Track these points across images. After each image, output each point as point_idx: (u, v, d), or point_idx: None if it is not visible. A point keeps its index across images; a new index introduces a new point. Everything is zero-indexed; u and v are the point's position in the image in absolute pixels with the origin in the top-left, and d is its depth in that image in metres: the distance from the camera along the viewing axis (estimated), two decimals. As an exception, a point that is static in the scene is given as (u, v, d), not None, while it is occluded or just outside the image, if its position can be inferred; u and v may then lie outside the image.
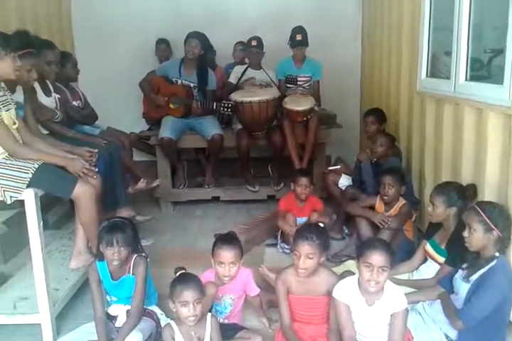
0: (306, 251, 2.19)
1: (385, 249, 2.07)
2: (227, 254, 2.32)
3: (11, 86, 2.63)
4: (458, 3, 2.79)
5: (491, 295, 2.15)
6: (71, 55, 3.74)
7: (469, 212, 2.32)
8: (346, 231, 3.80)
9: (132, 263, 2.38)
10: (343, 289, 2.16)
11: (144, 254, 2.44)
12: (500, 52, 2.45)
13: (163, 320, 2.52)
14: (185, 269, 2.28)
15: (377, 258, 2.04)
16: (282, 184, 4.44)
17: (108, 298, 2.46)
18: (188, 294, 2.04)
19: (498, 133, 2.40)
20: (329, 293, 2.23)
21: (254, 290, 2.50)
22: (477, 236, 2.23)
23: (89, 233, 2.76)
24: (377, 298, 2.12)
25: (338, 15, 5.30)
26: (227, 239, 2.42)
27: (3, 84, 2.50)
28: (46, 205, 3.43)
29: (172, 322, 2.14)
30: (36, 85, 3.05)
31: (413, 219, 3.35)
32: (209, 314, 2.17)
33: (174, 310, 2.10)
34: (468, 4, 2.72)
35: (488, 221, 2.20)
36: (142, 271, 2.36)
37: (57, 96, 3.25)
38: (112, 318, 2.42)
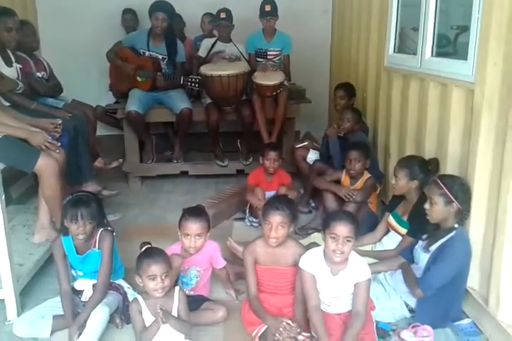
0: (278, 220, 2.24)
1: (350, 220, 2.12)
2: (193, 226, 2.34)
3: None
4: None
5: (449, 264, 2.25)
6: (29, 22, 3.59)
7: (431, 185, 2.40)
8: (313, 204, 3.86)
9: (98, 237, 2.37)
10: (308, 259, 2.21)
11: (109, 228, 2.43)
12: (466, 28, 2.48)
13: (130, 294, 2.52)
14: (150, 244, 2.28)
15: (342, 229, 2.09)
16: (251, 158, 4.45)
17: (73, 272, 2.45)
18: (156, 268, 2.04)
19: (461, 108, 2.45)
20: (296, 264, 2.27)
21: (221, 263, 2.54)
22: (438, 208, 2.31)
23: (52, 207, 2.72)
24: (341, 268, 2.18)
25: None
26: (194, 211, 2.43)
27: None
28: (9, 179, 3.36)
29: (139, 297, 2.15)
30: (-5, 54, 2.94)
31: (377, 192, 3.43)
32: (176, 287, 2.18)
33: (141, 284, 2.10)
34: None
35: (448, 193, 2.28)
36: (108, 245, 2.35)
37: (19, 66, 3.13)
38: (77, 293, 2.41)
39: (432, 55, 2.84)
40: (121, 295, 2.47)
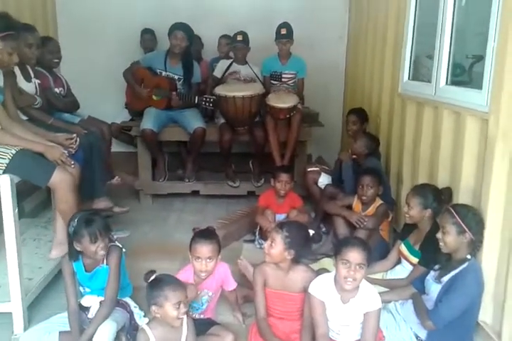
0: (272, 237, 2.26)
1: (363, 246, 2.10)
2: (204, 249, 2.30)
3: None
4: (442, 8, 2.83)
5: (461, 297, 2.20)
6: (53, 39, 3.67)
7: (444, 214, 2.37)
8: (324, 229, 3.82)
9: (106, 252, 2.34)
10: (319, 285, 2.19)
11: (117, 244, 2.41)
12: (481, 58, 2.49)
13: (137, 313, 2.50)
14: (155, 272, 2.20)
15: (354, 255, 2.07)
16: (263, 180, 4.44)
17: (81, 288, 2.42)
18: (181, 294, 2.01)
19: (475, 137, 2.44)
20: (305, 290, 2.25)
21: (232, 285, 2.50)
22: (450, 237, 2.27)
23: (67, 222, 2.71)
24: (352, 296, 2.15)
25: (324, 13, 5.30)
26: (205, 233, 2.40)
27: (-19, 68, 2.44)
28: (22, 193, 3.37)
29: (146, 327, 2.09)
30: (16, 70, 2.99)
31: (389, 219, 3.40)
32: (185, 316, 2.13)
33: (158, 315, 2.03)
34: (451, 9, 2.76)
35: (461, 223, 2.25)
36: (116, 260, 2.33)
37: (38, 81, 3.18)
38: (84, 309, 2.38)
39: (446, 83, 2.85)
40: (128, 313, 2.45)
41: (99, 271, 2.35)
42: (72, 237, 2.26)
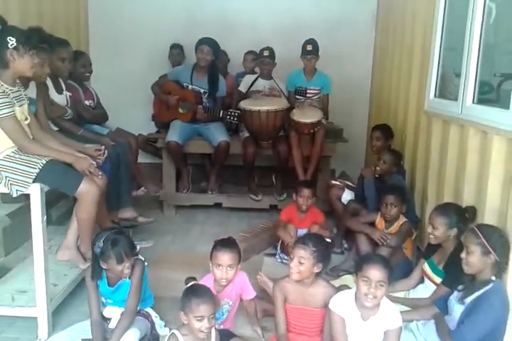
0: (299, 254, 2.24)
1: (384, 264, 2.09)
2: (225, 257, 2.34)
3: (24, 81, 2.67)
4: (469, 26, 2.82)
5: (484, 319, 2.15)
6: (85, 53, 3.79)
7: (468, 234, 2.33)
8: (346, 245, 3.80)
9: None
10: (339, 301, 2.18)
11: (140, 257, 2.44)
12: (510, 76, 2.48)
13: (158, 323, 2.54)
14: (195, 279, 2.27)
15: (375, 272, 2.06)
16: (285, 194, 4.45)
17: (103, 299, 2.46)
18: (205, 309, 2.01)
19: (502, 157, 2.41)
20: (326, 305, 2.24)
21: (251, 294, 2.52)
22: (474, 258, 2.23)
23: (82, 231, 2.78)
24: (372, 314, 2.13)
25: (351, 30, 5.33)
26: (226, 242, 2.44)
27: (17, 80, 2.53)
28: (51, 201, 3.46)
29: (177, 332, 2.10)
30: (48, 82, 3.10)
31: (413, 237, 3.36)
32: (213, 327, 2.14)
33: (186, 322, 2.05)
34: (479, 27, 2.75)
35: (486, 244, 2.21)
36: (138, 273, 2.36)
37: (69, 94, 3.29)
38: (106, 319, 2.43)
39: (473, 102, 2.83)
40: (150, 323, 2.47)
41: (122, 285, 2.39)
42: (99, 257, 2.28)
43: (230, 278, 2.38)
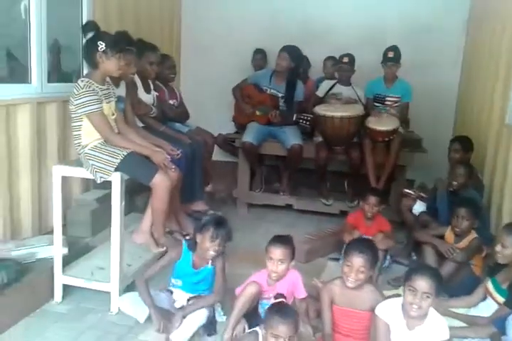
0: (359, 264, 2.27)
1: (432, 276, 2.08)
2: (277, 251, 2.45)
3: (115, 81, 2.96)
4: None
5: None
6: (171, 57, 4.03)
7: None
8: (414, 257, 3.72)
9: None
10: (386, 308, 2.20)
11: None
12: None
13: (218, 312, 2.71)
14: (285, 297, 2.37)
15: (422, 283, 2.06)
16: (357, 201, 4.43)
17: (174, 281, 2.69)
18: (284, 329, 2.00)
19: None
20: (371, 309, 2.27)
21: (302, 293, 2.59)
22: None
23: (156, 219, 3.02)
24: (418, 324, 2.13)
25: (439, 38, 5.21)
26: (281, 238, 2.55)
27: (108, 79, 2.82)
28: (136, 190, 3.78)
29: (259, 331, 2.25)
30: (138, 82, 3.40)
31: (483, 254, 3.23)
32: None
33: (264, 335, 2.10)
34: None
35: None
36: (221, 261, 2.63)
37: (156, 94, 3.57)
38: (173, 299, 2.66)
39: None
40: (212, 308, 2.66)
41: (203, 270, 2.64)
42: (199, 229, 2.56)
43: (280, 273, 2.47)
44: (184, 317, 2.49)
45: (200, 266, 2.63)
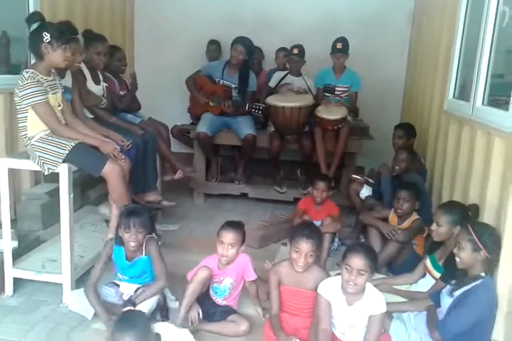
0: (308, 248, 2.38)
1: (366, 253, 2.19)
2: (228, 235, 2.55)
3: (60, 71, 2.95)
4: (483, 28, 2.86)
5: (468, 312, 2.22)
6: (120, 49, 4.01)
7: (461, 231, 2.42)
8: (363, 240, 3.87)
9: (144, 244, 2.61)
10: (327, 286, 2.31)
11: (154, 236, 2.67)
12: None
13: (169, 297, 2.77)
14: (135, 305, 2.44)
15: (356, 261, 2.17)
16: (309, 188, 4.51)
17: (119, 275, 2.70)
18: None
19: (501, 159, 2.46)
20: (317, 289, 2.38)
21: (252, 276, 2.69)
22: (465, 254, 2.31)
23: (120, 210, 3.01)
24: (357, 299, 2.25)
25: (387, 28, 5.35)
26: (232, 223, 2.64)
27: (53, 70, 2.81)
28: (89, 183, 3.78)
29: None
30: (86, 73, 3.38)
31: (424, 234, 3.41)
32: None
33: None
34: (491, 30, 2.78)
35: (477, 241, 2.28)
36: (155, 248, 2.61)
37: (105, 84, 3.56)
38: (120, 293, 2.67)
39: (482, 103, 2.87)
40: (163, 295, 2.70)
41: (138, 262, 2.63)
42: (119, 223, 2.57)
43: (230, 257, 2.56)
44: (134, 305, 2.48)
45: (134, 257, 2.62)
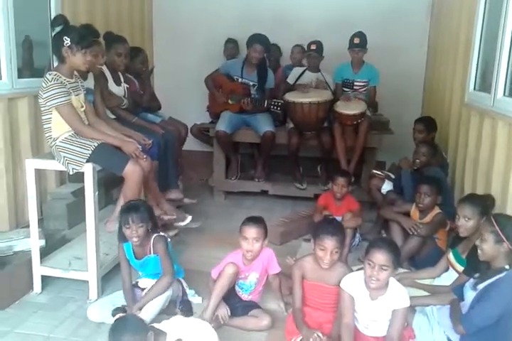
0: (333, 245, 2.37)
1: (389, 249, 2.18)
2: (251, 230, 2.57)
3: (83, 73, 3.02)
4: (503, 19, 2.82)
5: (493, 305, 2.20)
6: (143, 51, 4.07)
7: (484, 222, 2.39)
8: (384, 235, 3.86)
9: (152, 243, 2.64)
10: (350, 281, 2.32)
11: (162, 234, 2.70)
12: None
13: (189, 292, 2.81)
14: (125, 311, 2.41)
15: (379, 256, 2.16)
16: (330, 184, 4.52)
17: (139, 272, 2.76)
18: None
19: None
20: (339, 284, 2.38)
21: (276, 269, 2.71)
22: (487, 245, 2.28)
23: None
24: (380, 294, 2.25)
25: (405, 21, 5.31)
26: (253, 218, 2.66)
27: (75, 72, 2.87)
28: (112, 182, 3.85)
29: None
30: (108, 75, 3.45)
31: (447, 228, 3.38)
32: None
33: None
34: (512, 22, 2.75)
35: (499, 232, 2.25)
36: (162, 247, 2.62)
37: (126, 86, 3.62)
38: (141, 289, 2.72)
39: (504, 95, 2.83)
40: (181, 289, 2.74)
41: (148, 260, 2.67)
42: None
43: (255, 252, 2.59)
44: (140, 309, 2.49)
45: (143, 256, 2.65)
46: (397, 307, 2.22)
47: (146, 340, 1.91)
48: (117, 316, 2.19)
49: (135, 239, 2.57)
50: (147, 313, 2.47)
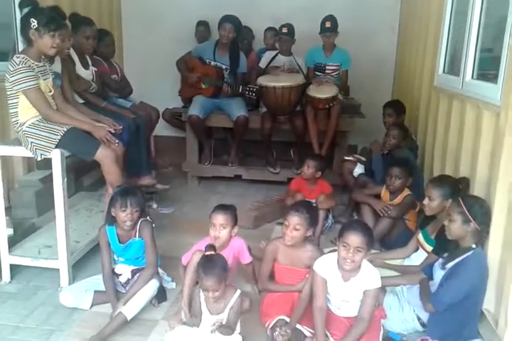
0: (295, 221, 2.43)
1: (363, 231, 2.21)
2: (219, 217, 2.54)
3: (49, 57, 2.92)
4: (471, 2, 2.85)
5: (460, 283, 2.27)
6: (110, 33, 3.96)
7: (452, 203, 2.46)
8: (356, 217, 3.92)
9: (138, 227, 2.62)
10: (322, 263, 2.34)
11: (149, 219, 2.68)
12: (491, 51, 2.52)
13: (165, 279, 2.82)
14: (215, 249, 2.36)
15: (354, 238, 2.19)
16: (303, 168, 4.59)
17: (115, 257, 2.72)
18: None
19: (490, 131, 2.48)
20: (310, 267, 2.41)
21: (247, 259, 2.71)
22: (455, 226, 2.35)
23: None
24: (353, 275, 2.29)
25: (375, 4, 5.31)
26: (222, 205, 2.65)
27: (43, 56, 2.78)
28: (83, 169, 3.79)
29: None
30: (75, 58, 3.34)
31: (416, 210, 3.45)
32: (238, 291, 2.31)
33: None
34: (480, 3, 2.78)
35: (467, 213, 2.32)
36: (149, 232, 2.61)
37: (95, 69, 3.52)
38: (117, 275, 2.70)
39: (472, 77, 2.88)
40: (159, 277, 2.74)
41: (132, 244, 2.64)
42: (111, 203, 2.57)
43: (222, 239, 2.55)
44: (124, 304, 2.47)
45: (128, 240, 2.63)
46: (369, 287, 2.26)
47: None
48: (208, 253, 2.27)
49: (128, 223, 2.55)
50: (136, 305, 2.48)
